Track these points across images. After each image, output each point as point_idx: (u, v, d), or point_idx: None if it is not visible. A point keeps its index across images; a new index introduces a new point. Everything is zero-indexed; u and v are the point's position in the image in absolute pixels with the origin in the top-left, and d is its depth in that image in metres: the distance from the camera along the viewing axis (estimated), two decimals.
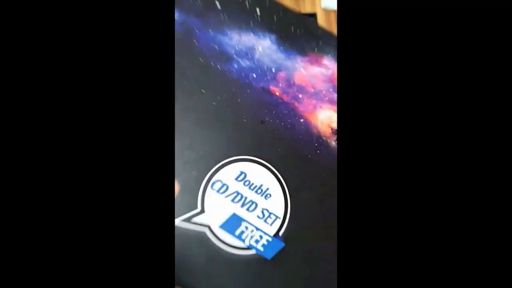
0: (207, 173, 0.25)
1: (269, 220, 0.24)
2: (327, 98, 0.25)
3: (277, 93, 0.26)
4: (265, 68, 0.26)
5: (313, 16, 0.56)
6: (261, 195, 0.25)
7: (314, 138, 0.25)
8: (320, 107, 0.24)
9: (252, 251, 0.24)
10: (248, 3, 0.28)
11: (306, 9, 0.50)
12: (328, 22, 0.51)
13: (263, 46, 0.27)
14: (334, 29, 0.51)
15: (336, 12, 0.51)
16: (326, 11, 0.50)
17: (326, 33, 0.27)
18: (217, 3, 0.27)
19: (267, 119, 0.25)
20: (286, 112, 0.26)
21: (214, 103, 0.27)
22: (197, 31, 0.27)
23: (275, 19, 0.27)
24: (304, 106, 0.25)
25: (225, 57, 0.27)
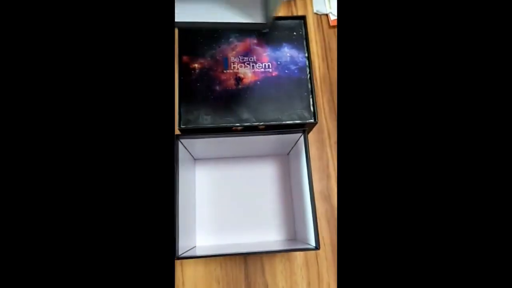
0: None
1: None
2: None
3: None
4: None
5: (303, 18, 0.56)
6: None
7: None
8: None
9: None
10: None
11: (299, 13, 0.51)
12: (318, 25, 0.51)
13: None
14: (326, 33, 0.51)
15: (327, 15, 0.51)
16: (317, 15, 0.51)
17: None
18: None
19: None
20: None
21: None
22: None
23: None
24: None
25: None
